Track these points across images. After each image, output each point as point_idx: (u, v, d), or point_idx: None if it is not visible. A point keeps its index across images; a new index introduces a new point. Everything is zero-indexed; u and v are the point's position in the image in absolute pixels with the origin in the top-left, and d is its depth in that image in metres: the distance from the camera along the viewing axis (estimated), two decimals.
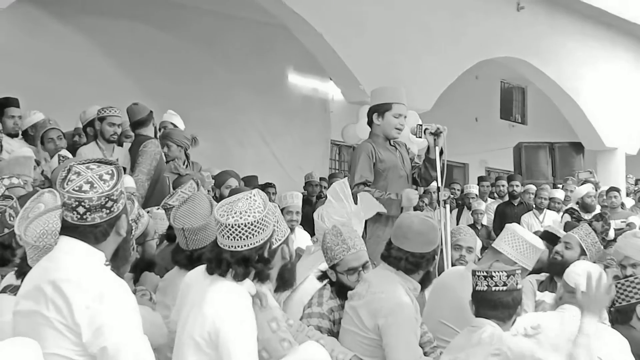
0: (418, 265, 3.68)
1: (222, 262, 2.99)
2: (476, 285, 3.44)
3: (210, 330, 2.88)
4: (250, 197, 3.04)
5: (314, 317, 3.79)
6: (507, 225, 4.31)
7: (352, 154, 5.34)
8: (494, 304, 3.40)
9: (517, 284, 3.42)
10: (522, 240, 4.12)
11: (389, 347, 3.50)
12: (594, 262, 4.78)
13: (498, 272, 3.39)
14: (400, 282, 3.66)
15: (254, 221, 2.96)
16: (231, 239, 2.97)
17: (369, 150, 5.18)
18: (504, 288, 3.38)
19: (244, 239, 2.96)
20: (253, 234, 2.97)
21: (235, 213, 2.97)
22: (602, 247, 4.77)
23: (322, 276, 3.99)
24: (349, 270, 3.81)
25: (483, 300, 3.42)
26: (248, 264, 2.99)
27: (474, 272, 3.46)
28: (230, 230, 2.95)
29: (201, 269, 3.13)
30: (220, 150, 10.98)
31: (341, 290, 3.85)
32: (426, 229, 3.72)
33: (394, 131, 5.25)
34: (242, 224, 2.95)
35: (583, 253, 4.63)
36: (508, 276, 3.39)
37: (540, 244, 4.23)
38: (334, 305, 3.85)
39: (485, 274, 3.40)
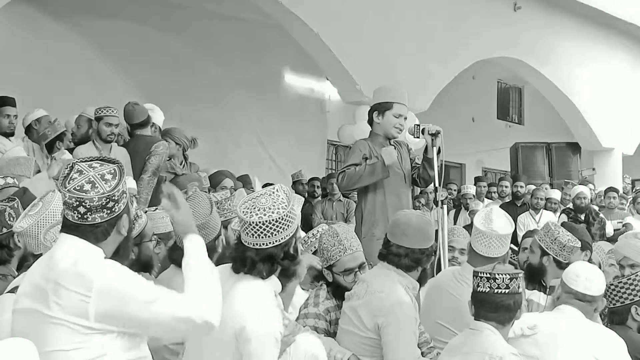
0: (418, 261, 3.68)
1: (246, 260, 2.96)
2: (477, 286, 3.40)
3: (236, 329, 2.85)
4: (273, 193, 3.00)
5: (310, 317, 3.78)
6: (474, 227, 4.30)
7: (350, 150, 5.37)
8: (495, 307, 3.36)
9: (518, 287, 3.39)
10: (494, 238, 4.12)
11: (388, 346, 3.49)
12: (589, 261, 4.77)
13: (501, 274, 3.35)
14: (400, 281, 3.65)
15: (279, 218, 2.93)
16: (255, 237, 2.94)
17: (363, 147, 5.22)
18: (506, 291, 3.34)
19: (268, 237, 2.93)
20: (278, 231, 2.94)
21: (258, 210, 2.93)
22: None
23: (318, 276, 3.98)
24: (346, 271, 3.80)
25: (484, 301, 3.38)
26: (273, 261, 2.96)
27: (476, 273, 3.43)
28: (254, 228, 2.92)
29: (226, 267, 3.09)
30: (216, 151, 10.96)
31: (337, 291, 3.84)
32: (424, 224, 3.73)
33: (393, 130, 5.27)
34: (266, 221, 2.91)
35: (544, 253, 4.56)
36: (511, 279, 3.35)
37: (506, 227, 4.21)
38: (331, 306, 3.84)
39: (488, 275, 3.36)
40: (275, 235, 2.93)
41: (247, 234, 2.95)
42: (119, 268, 2.58)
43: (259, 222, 2.91)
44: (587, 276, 3.83)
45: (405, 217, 3.77)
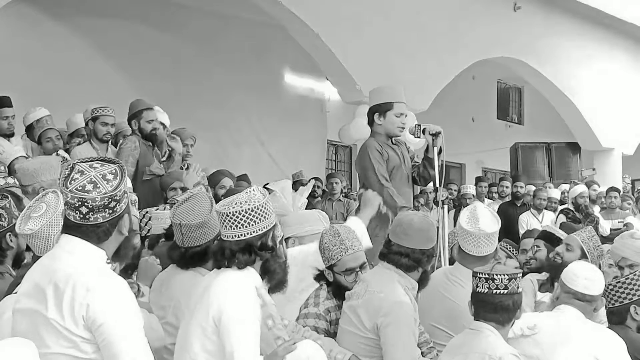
0: (418, 261, 3.68)
1: (225, 250, 3.06)
2: (477, 286, 3.40)
3: (214, 316, 2.94)
4: (249, 191, 3.14)
5: (310, 317, 3.78)
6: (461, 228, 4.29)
7: (361, 153, 5.27)
8: (494, 307, 3.37)
9: (518, 287, 3.40)
10: (482, 237, 4.11)
11: (387, 346, 3.49)
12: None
13: (500, 274, 3.36)
14: (399, 281, 3.66)
15: (254, 207, 3.04)
16: (234, 228, 3.04)
17: (378, 147, 5.16)
18: (505, 291, 3.35)
19: (246, 227, 3.04)
20: (255, 221, 3.05)
21: (235, 204, 3.06)
22: (602, 250, 4.68)
23: (319, 276, 3.99)
24: (347, 270, 3.80)
25: (483, 302, 3.39)
26: (252, 250, 3.06)
27: (475, 273, 3.44)
28: (232, 218, 3.03)
29: (212, 273, 3.20)
30: (216, 151, 10.97)
31: (338, 291, 3.84)
32: (426, 225, 3.74)
33: (396, 130, 5.25)
34: (242, 210, 3.03)
35: (584, 256, 4.57)
36: (510, 279, 3.36)
37: (493, 225, 4.19)
38: (331, 306, 3.84)
39: (486, 276, 3.37)
40: (253, 225, 3.05)
41: (226, 226, 3.06)
42: (118, 285, 2.60)
43: (235, 212, 3.03)
44: (586, 276, 3.83)
45: (408, 217, 3.79)
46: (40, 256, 3.08)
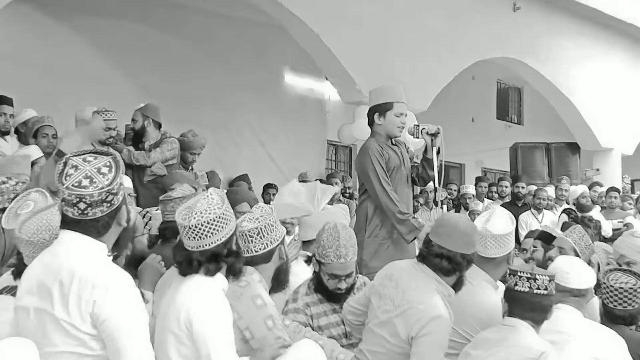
0: (458, 265, 3.58)
1: (192, 262, 3.04)
2: (515, 284, 3.45)
3: (185, 321, 2.94)
4: (207, 197, 3.11)
5: (289, 313, 3.83)
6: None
7: (361, 154, 5.26)
8: (533, 306, 3.43)
9: (554, 289, 3.49)
10: (489, 238, 4.11)
11: (415, 356, 3.46)
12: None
13: (542, 275, 3.43)
14: (437, 289, 3.57)
15: (215, 217, 3.03)
16: (197, 239, 3.03)
17: (378, 148, 5.15)
18: (545, 292, 3.43)
19: (209, 236, 3.03)
20: (217, 230, 3.04)
21: (195, 214, 3.03)
22: (593, 249, 4.69)
23: (309, 260, 4.03)
24: (332, 275, 3.82)
25: (522, 300, 3.44)
26: (218, 259, 3.06)
27: (514, 272, 3.48)
28: (194, 230, 3.01)
29: (173, 270, 3.20)
30: (216, 151, 10.94)
31: (319, 287, 3.88)
32: (471, 230, 3.66)
33: (396, 130, 5.24)
34: (204, 222, 3.01)
35: (577, 257, 4.58)
36: (550, 281, 3.44)
37: (503, 228, 4.18)
38: (309, 301, 3.89)
39: (528, 275, 3.43)
40: (216, 234, 3.04)
41: (189, 237, 3.04)
42: (123, 280, 2.61)
43: (197, 224, 3.01)
44: (576, 270, 3.89)
45: (453, 219, 3.69)
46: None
